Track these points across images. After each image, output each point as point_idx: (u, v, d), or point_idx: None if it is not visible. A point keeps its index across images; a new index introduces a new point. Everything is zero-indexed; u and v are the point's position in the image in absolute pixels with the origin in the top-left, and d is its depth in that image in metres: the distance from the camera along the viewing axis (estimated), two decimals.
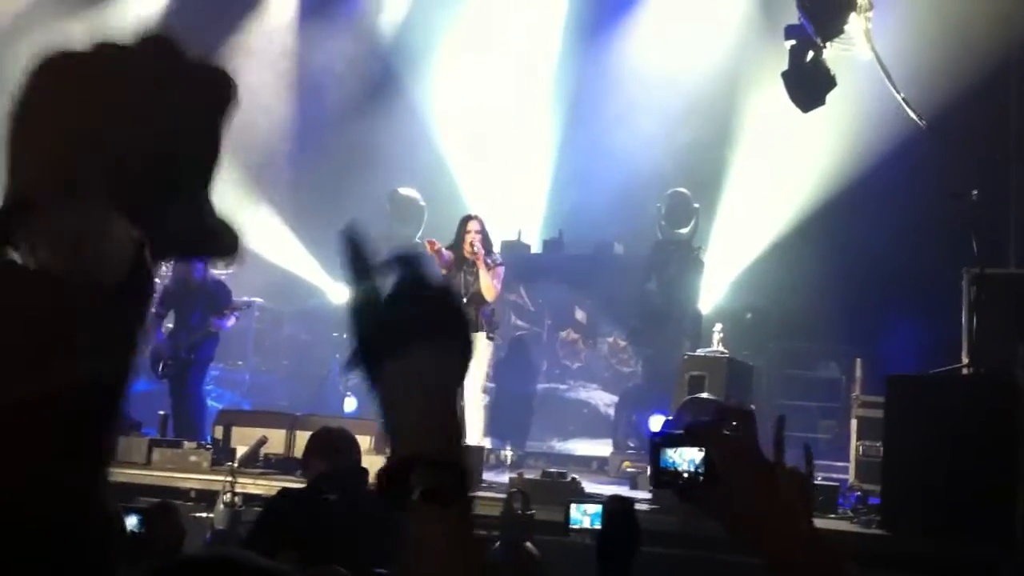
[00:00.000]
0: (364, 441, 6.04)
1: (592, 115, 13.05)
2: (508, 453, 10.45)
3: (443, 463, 1.09)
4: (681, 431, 1.54)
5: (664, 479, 1.52)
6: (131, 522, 3.89)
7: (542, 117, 13.67)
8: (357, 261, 1.14)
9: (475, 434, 9.04)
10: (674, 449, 1.51)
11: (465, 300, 8.86)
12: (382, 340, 1.13)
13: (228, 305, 9.71)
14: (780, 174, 11.64)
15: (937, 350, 8.72)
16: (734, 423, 1.52)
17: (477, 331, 8.90)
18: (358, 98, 14.27)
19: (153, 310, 9.80)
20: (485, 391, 9.42)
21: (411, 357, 1.11)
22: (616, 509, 2.86)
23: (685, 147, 12.03)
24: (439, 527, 1.08)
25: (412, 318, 1.12)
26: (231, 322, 9.77)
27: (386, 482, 1.09)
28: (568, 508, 4.30)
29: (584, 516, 4.24)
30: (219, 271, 9.67)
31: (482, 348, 8.96)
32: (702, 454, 1.48)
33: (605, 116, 12.83)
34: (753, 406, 9.34)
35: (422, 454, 1.09)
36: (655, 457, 1.53)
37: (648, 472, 1.55)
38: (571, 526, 4.30)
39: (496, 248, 10.31)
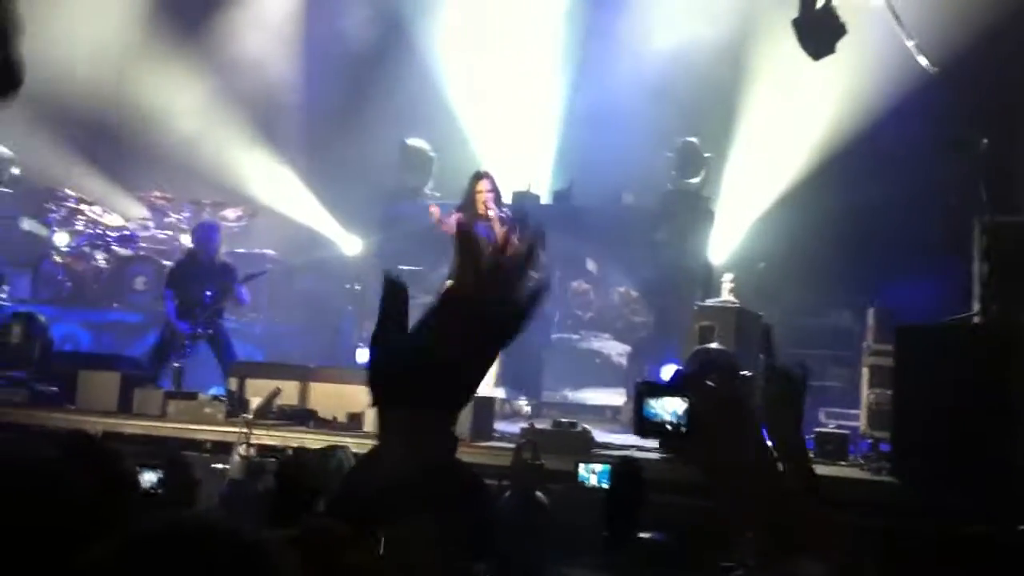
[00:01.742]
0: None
1: (602, 64, 12.95)
2: (523, 403, 10.52)
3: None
4: (665, 382, 1.55)
5: (647, 428, 1.53)
6: (148, 478, 3.93)
7: (551, 66, 13.57)
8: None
9: (487, 386, 9.07)
10: (657, 399, 1.52)
11: None
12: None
13: (237, 281, 9.92)
14: (791, 123, 11.56)
15: (952, 299, 8.69)
16: (716, 375, 1.53)
17: None
18: (366, 50, 14.19)
19: (162, 292, 10.04)
20: None
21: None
22: (623, 471, 2.89)
23: (696, 96, 11.93)
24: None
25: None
26: (248, 295, 10.06)
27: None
28: (576, 466, 4.38)
29: (592, 474, 4.32)
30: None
31: None
32: (685, 404, 1.48)
33: (615, 66, 12.73)
34: (763, 356, 9.36)
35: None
36: (639, 407, 1.55)
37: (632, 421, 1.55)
38: (580, 483, 4.38)
39: (507, 198, 10.28)
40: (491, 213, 8.74)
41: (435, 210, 9.25)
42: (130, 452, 7.17)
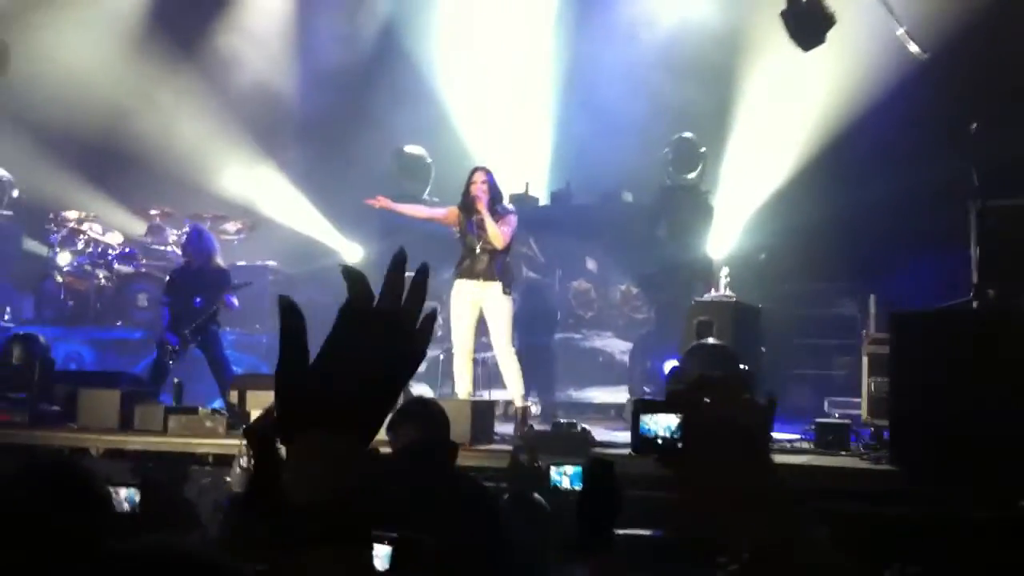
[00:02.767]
0: None
1: (595, 63, 12.94)
2: (529, 404, 10.43)
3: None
4: (661, 399, 1.54)
5: (643, 445, 1.52)
6: (124, 497, 3.83)
7: (545, 68, 13.58)
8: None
9: (513, 389, 8.88)
10: (652, 415, 1.51)
11: (478, 250, 8.82)
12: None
13: (230, 287, 9.88)
14: (785, 115, 11.52)
15: (953, 284, 8.65)
16: (712, 391, 1.50)
17: (493, 280, 8.80)
18: (361, 59, 14.23)
19: (161, 298, 10.07)
20: (513, 343, 9.18)
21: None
22: (596, 471, 2.84)
23: (690, 91, 11.91)
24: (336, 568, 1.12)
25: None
26: (235, 300, 10.01)
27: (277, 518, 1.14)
28: (548, 469, 4.37)
29: (564, 476, 4.29)
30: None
31: (501, 301, 8.79)
32: (679, 420, 1.47)
33: (608, 65, 12.71)
34: (763, 348, 9.36)
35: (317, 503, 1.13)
36: (635, 424, 1.54)
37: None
38: (553, 486, 4.36)
39: (505, 201, 10.24)
40: (479, 204, 8.67)
41: (374, 202, 9.59)
42: (129, 468, 7.14)
